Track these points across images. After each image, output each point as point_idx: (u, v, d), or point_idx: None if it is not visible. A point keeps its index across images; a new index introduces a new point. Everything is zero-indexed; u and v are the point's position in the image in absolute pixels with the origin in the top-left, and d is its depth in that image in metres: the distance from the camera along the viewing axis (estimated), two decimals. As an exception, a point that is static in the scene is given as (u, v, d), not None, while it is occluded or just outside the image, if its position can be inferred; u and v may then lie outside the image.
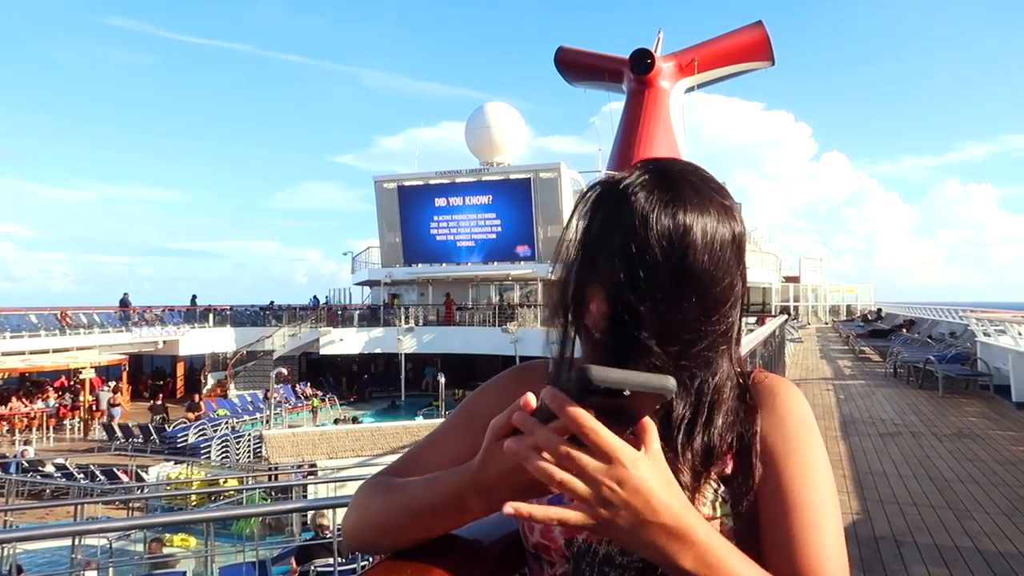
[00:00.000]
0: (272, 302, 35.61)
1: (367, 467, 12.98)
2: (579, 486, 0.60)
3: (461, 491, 0.72)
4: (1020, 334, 12.37)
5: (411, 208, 32.09)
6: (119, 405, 25.02)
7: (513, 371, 0.96)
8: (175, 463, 16.34)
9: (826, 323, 39.19)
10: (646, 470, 0.61)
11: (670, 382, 0.60)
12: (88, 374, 24.40)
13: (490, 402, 0.87)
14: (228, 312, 33.74)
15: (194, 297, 35.00)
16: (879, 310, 31.63)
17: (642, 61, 36.67)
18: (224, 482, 14.18)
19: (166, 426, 21.49)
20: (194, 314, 33.00)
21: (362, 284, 37.53)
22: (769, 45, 37.57)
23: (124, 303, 31.91)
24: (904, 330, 24.32)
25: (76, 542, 6.88)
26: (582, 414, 0.58)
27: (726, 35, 38.31)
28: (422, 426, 16.26)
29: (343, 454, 14.12)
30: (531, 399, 0.62)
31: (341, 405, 27.59)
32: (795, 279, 41.12)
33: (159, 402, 25.53)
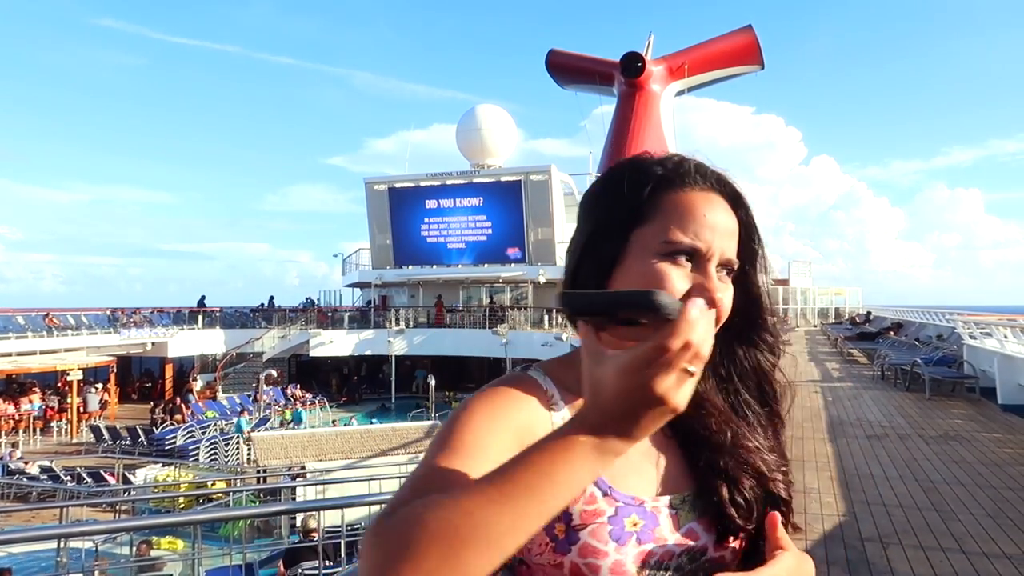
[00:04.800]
0: (272, 298, 35.59)
1: (356, 469, 12.95)
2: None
3: (574, 436, 0.60)
4: (1006, 337, 12.47)
5: (402, 210, 32.07)
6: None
7: (499, 395, 0.80)
8: (163, 465, 16.24)
9: (815, 326, 39.37)
10: None
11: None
12: (75, 376, 24.22)
13: (497, 439, 0.73)
14: (218, 314, 33.60)
15: (202, 298, 34.96)
16: (868, 313, 31.83)
17: (633, 64, 36.84)
18: (212, 484, 14.11)
19: (154, 428, 21.38)
20: (183, 316, 32.87)
21: (352, 286, 37.46)
22: (759, 49, 37.79)
23: (201, 304, 33.87)
24: (892, 333, 24.44)
25: (61, 545, 6.82)
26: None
27: (716, 39, 38.52)
28: (411, 428, 16.22)
29: (332, 456, 14.06)
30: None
31: (331, 407, 27.49)
32: (784, 282, 41.34)
33: (159, 406, 25.39)
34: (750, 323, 0.88)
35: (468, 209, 31.44)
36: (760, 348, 0.90)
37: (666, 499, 0.81)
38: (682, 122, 46.63)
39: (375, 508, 9.30)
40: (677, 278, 0.77)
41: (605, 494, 0.78)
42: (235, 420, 21.81)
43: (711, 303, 0.75)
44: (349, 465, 13.42)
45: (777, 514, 0.76)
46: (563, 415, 0.82)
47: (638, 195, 0.82)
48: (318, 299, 37.38)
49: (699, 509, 0.81)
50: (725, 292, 0.80)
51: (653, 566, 0.76)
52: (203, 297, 34.90)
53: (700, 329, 0.58)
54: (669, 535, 0.78)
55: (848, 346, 22.29)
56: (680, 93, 39.82)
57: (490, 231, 31.19)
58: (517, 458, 0.61)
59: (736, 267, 0.83)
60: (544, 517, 0.59)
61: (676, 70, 38.04)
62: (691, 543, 0.79)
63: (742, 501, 0.80)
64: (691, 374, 0.58)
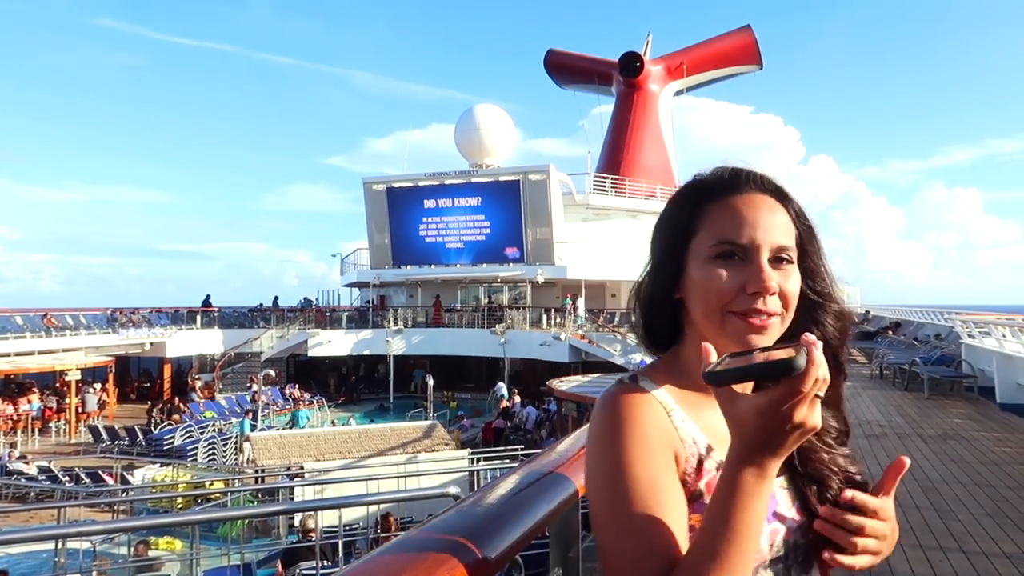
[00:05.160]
0: (276, 299, 35.61)
1: (354, 469, 12.92)
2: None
3: (739, 470, 0.74)
4: (1004, 336, 12.47)
5: (400, 210, 32.04)
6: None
7: (635, 419, 0.86)
8: (160, 465, 16.22)
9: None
10: None
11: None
12: (74, 376, 24.20)
13: (653, 470, 0.82)
14: (216, 314, 33.58)
15: (207, 298, 35.02)
16: (866, 312, 31.80)
17: (631, 64, 36.85)
18: (210, 484, 14.08)
19: (152, 429, 21.36)
20: (182, 316, 32.86)
21: (351, 286, 37.43)
22: (757, 49, 37.79)
23: (206, 303, 34.32)
24: (890, 332, 24.45)
25: (59, 545, 6.81)
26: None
27: (714, 39, 38.53)
28: (409, 428, 16.21)
29: (330, 456, 14.03)
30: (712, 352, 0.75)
31: (329, 407, 27.48)
32: (783, 281, 41.49)
33: (157, 407, 25.38)
34: (814, 303, 0.95)
35: (466, 209, 31.40)
36: (826, 324, 0.95)
37: (780, 479, 0.91)
38: (680, 122, 46.74)
39: (372, 508, 9.31)
40: (729, 274, 0.86)
41: None
42: (233, 421, 21.82)
43: (766, 290, 0.85)
44: (347, 465, 13.40)
45: (903, 458, 0.86)
46: (680, 416, 0.89)
47: (686, 211, 0.92)
48: (316, 299, 37.44)
49: (793, 491, 0.91)
50: (785, 279, 0.88)
51: (778, 544, 0.87)
52: (208, 296, 35.05)
53: (824, 365, 0.70)
54: (786, 511, 0.89)
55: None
56: (679, 93, 39.82)
57: (488, 231, 31.16)
58: (716, 516, 0.74)
59: (794, 254, 0.90)
60: (758, 541, 0.76)
61: (674, 70, 38.05)
62: (801, 519, 0.89)
63: (829, 496, 0.90)
64: (820, 398, 0.71)
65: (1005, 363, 11.73)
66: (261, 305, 35.40)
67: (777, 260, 0.88)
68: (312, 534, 7.83)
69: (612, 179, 33.43)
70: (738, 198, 0.90)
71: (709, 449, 0.88)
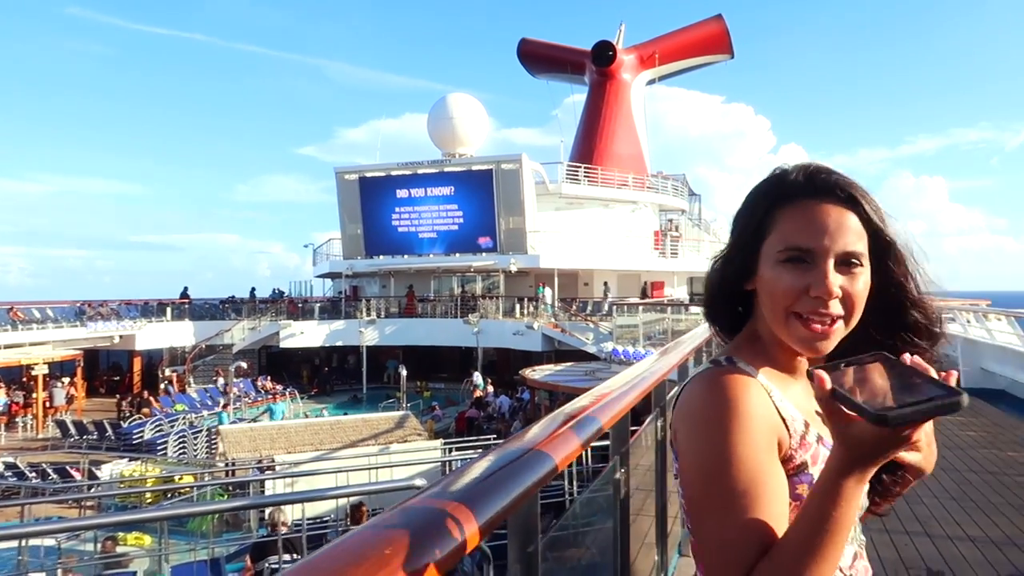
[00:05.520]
0: (253, 290, 35.37)
1: (325, 461, 12.90)
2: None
3: (842, 482, 0.77)
4: (969, 322, 12.72)
5: (373, 200, 31.85)
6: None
7: (743, 402, 0.90)
8: (129, 460, 16.06)
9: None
10: None
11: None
12: (40, 370, 23.83)
13: (757, 454, 0.87)
14: (187, 306, 33.20)
15: (185, 289, 34.58)
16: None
17: (604, 53, 36.79)
18: (180, 479, 13.99)
19: (121, 423, 21.12)
20: (151, 308, 32.44)
21: (323, 276, 37.18)
22: (728, 38, 37.90)
23: (184, 295, 34.11)
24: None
25: (22, 544, 6.75)
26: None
27: (686, 28, 38.56)
28: (382, 419, 16.21)
29: (302, 448, 14.00)
30: (826, 378, 0.76)
31: (302, 398, 27.35)
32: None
33: (126, 401, 25.09)
34: (888, 310, 0.99)
35: (439, 198, 31.29)
36: (900, 334, 1.00)
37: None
38: (653, 111, 46.84)
39: (342, 502, 9.32)
40: (794, 278, 0.91)
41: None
42: (205, 414, 21.65)
43: (828, 294, 0.89)
44: (318, 457, 13.38)
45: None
46: (778, 396, 0.95)
47: (760, 210, 0.98)
48: (289, 290, 37.15)
49: None
50: (851, 282, 0.92)
51: None
52: (186, 288, 34.69)
53: None
54: None
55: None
56: (651, 82, 39.87)
57: (461, 220, 31.09)
58: (815, 516, 0.77)
59: (865, 259, 0.93)
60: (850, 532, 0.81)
61: (647, 59, 38.07)
62: None
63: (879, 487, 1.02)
64: None
65: (969, 348, 11.98)
66: (233, 297, 35.07)
67: (845, 264, 0.92)
68: (281, 528, 7.83)
69: (585, 168, 33.47)
70: (810, 203, 0.94)
71: (806, 424, 0.94)
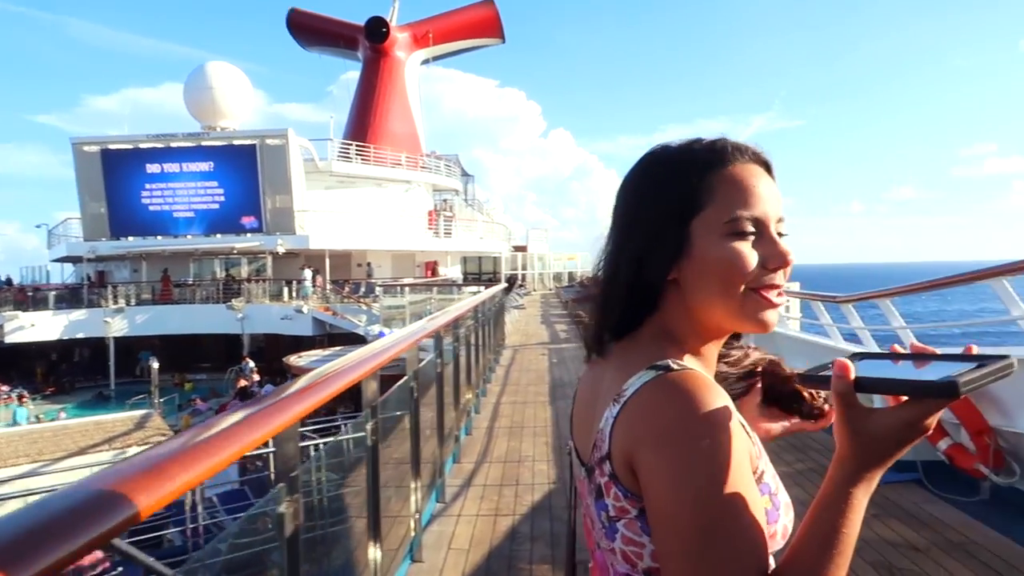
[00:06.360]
0: (9, 278, 30.79)
1: (44, 475, 11.35)
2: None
3: (851, 490, 0.72)
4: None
5: (118, 175, 28.69)
6: None
7: (723, 410, 0.76)
8: None
9: (550, 289, 42.19)
10: None
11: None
12: None
13: (747, 469, 0.76)
14: None
15: (9, 279, 29.61)
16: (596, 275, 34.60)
17: (377, 30, 36.21)
18: None
19: None
20: None
21: (61, 260, 33.10)
22: (499, 23, 38.87)
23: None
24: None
25: None
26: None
27: (459, 10, 39.01)
28: (118, 420, 14.62)
29: (16, 461, 12.23)
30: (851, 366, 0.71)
31: (35, 399, 24.14)
32: (523, 248, 43.91)
33: None
34: None
35: (197, 175, 28.92)
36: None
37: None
38: (429, 92, 47.02)
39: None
40: (751, 252, 0.82)
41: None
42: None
43: (784, 262, 0.83)
44: (35, 471, 11.75)
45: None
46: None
47: (688, 182, 0.85)
48: (20, 277, 32.62)
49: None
50: (790, 247, 0.86)
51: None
52: (9, 279, 29.77)
53: None
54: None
55: (577, 307, 23.95)
56: (426, 62, 39.89)
57: (223, 199, 29.01)
58: (826, 530, 0.71)
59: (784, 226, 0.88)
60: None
61: (421, 38, 37.99)
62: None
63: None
64: None
65: (766, 340, 13.19)
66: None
67: (778, 233, 0.86)
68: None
69: (357, 146, 32.65)
70: (742, 169, 0.85)
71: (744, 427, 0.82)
